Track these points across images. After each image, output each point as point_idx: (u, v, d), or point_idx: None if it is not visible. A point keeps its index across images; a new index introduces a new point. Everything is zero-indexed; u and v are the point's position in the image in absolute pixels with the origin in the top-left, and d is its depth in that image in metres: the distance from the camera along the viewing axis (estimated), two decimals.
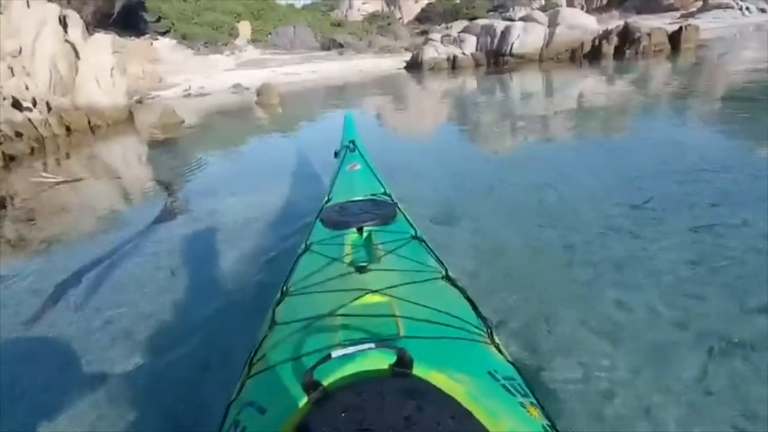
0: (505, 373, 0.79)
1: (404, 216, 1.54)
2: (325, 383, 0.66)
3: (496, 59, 15.24)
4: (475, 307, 1.01)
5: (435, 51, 16.35)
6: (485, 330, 0.94)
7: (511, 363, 0.87)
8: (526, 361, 1.53)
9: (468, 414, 0.60)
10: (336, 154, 2.37)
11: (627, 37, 12.88)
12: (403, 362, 0.67)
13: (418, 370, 0.68)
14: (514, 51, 14.77)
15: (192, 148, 6.67)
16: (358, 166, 2.09)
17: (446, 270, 1.17)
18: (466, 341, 0.86)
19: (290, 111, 10.07)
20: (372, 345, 0.67)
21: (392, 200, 1.74)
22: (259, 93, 10.85)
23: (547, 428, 0.69)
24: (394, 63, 19.86)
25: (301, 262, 1.28)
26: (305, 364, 0.76)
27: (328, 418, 0.60)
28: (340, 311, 0.91)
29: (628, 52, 12.72)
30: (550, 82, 11.08)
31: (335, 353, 0.66)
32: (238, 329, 1.84)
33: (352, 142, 2.30)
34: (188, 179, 4.69)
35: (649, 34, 12.41)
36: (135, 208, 4.00)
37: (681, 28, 12.58)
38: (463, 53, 15.93)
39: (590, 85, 9.61)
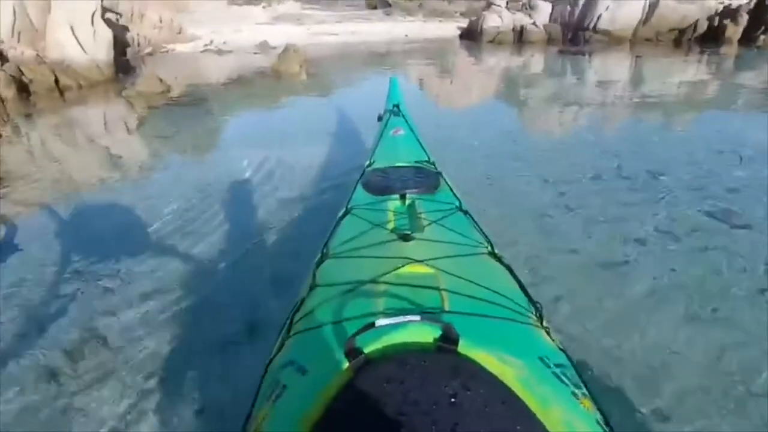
0: (557, 360, 0.74)
1: (449, 186, 1.50)
2: (366, 351, 0.65)
3: (575, 35, 12.33)
4: (522, 287, 0.96)
5: (498, 18, 13.54)
6: (534, 312, 0.88)
7: (562, 349, 0.81)
8: None
9: (518, 399, 0.57)
10: (380, 118, 2.31)
11: (762, 15, 9.76)
12: (449, 338, 0.64)
13: (464, 348, 0.64)
14: (600, 26, 11.82)
15: (162, 134, 4.82)
16: (402, 131, 2.04)
17: (492, 245, 1.13)
18: (515, 322, 0.81)
19: (316, 82, 7.98)
20: (417, 317, 0.66)
21: (436, 169, 1.66)
22: (279, 57, 8.77)
23: (600, 422, 0.64)
24: (446, 29, 17.12)
25: (342, 225, 1.26)
26: (347, 329, 0.74)
27: (371, 387, 0.59)
28: (383, 279, 0.88)
29: (763, 37, 9.64)
30: (643, 72, 8.48)
31: (379, 322, 0.64)
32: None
33: (397, 106, 2.25)
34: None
35: None
36: None
37: None
38: (534, 24, 13.07)
39: (703, 82, 7.00)
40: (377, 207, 1.29)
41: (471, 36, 14.16)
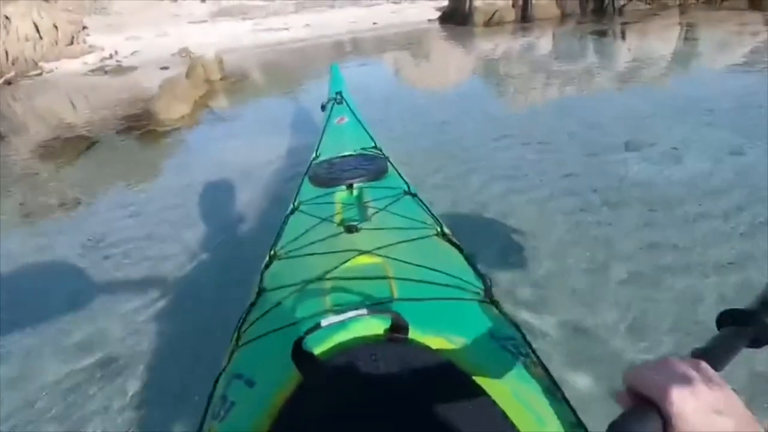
0: (505, 333, 0.76)
1: (396, 170, 1.50)
2: (316, 352, 0.64)
3: (601, 4, 9.11)
4: (472, 264, 0.97)
5: None
6: (483, 287, 0.90)
7: (511, 321, 0.83)
8: None
9: (466, 377, 0.59)
10: (323, 108, 2.24)
11: None
12: (398, 327, 0.65)
13: (414, 334, 0.65)
14: None
15: None
16: (346, 119, 2.01)
17: (441, 226, 1.13)
18: (463, 301, 0.83)
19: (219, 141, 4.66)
20: (364, 311, 0.63)
21: (383, 154, 1.65)
22: (160, 89, 5.37)
23: (549, 387, 0.67)
24: (423, 12, 13.78)
25: (289, 224, 1.25)
26: (295, 333, 0.70)
27: (320, 389, 0.58)
28: (330, 275, 0.87)
29: None
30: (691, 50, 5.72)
31: (325, 321, 0.61)
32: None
33: (339, 93, 2.20)
34: None
35: None
36: None
37: None
38: None
39: None
40: (325, 200, 1.26)
41: (456, 18, 10.83)
